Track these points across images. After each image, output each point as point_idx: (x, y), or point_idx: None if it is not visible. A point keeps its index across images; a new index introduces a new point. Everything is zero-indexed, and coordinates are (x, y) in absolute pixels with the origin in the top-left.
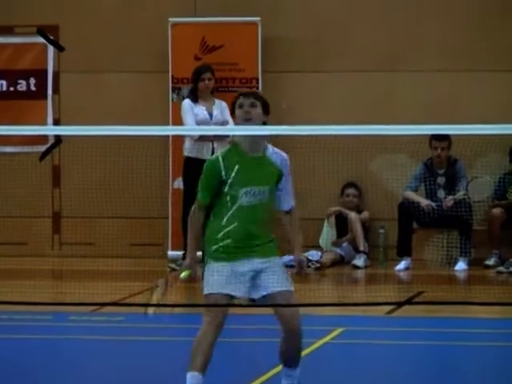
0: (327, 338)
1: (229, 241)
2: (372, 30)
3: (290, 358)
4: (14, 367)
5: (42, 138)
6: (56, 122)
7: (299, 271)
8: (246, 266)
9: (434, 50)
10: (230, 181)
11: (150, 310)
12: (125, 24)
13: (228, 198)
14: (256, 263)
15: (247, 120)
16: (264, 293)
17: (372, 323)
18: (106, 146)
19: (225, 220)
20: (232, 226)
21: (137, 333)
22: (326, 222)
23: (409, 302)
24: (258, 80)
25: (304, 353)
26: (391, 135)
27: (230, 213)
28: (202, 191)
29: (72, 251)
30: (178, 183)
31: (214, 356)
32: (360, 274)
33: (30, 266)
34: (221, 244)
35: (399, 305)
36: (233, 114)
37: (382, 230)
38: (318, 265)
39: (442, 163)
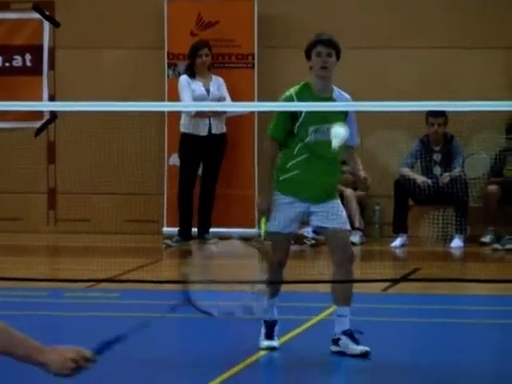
0: (323, 315)
1: (296, 172)
2: (368, 6)
3: (342, 292)
4: None
5: (38, 114)
6: (51, 98)
7: (364, 187)
8: (304, 206)
9: (430, 26)
10: (301, 119)
11: None
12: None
13: (299, 135)
14: (315, 206)
15: (323, 68)
16: (320, 224)
17: (368, 300)
18: (101, 122)
19: (296, 151)
20: (301, 158)
21: (132, 309)
22: None
23: (404, 278)
24: (254, 56)
25: (300, 329)
26: (387, 111)
27: (299, 146)
28: (275, 128)
29: (67, 227)
30: (174, 160)
31: (208, 333)
32: (355, 250)
33: (26, 242)
34: (289, 174)
35: (395, 282)
36: (308, 57)
37: (377, 207)
38: (313, 241)
39: (438, 140)
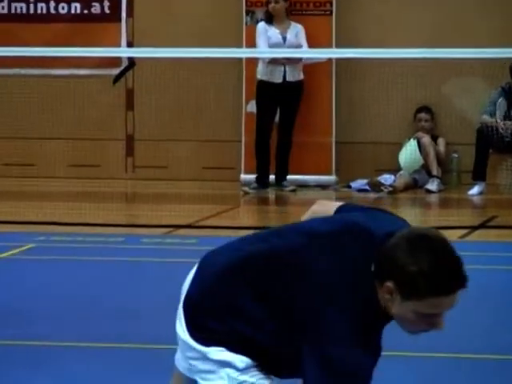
0: None
1: None
2: None
3: None
4: (87, 288)
5: (116, 61)
6: (130, 45)
7: None
8: None
9: None
10: None
11: None
12: None
13: None
14: None
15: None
16: None
17: None
18: (179, 68)
19: None
20: None
21: None
22: (413, 141)
23: (482, 226)
24: (331, 3)
25: None
26: (465, 59)
27: None
28: None
29: (145, 174)
30: (251, 107)
31: None
32: (433, 198)
33: (103, 189)
34: None
35: (473, 229)
36: None
37: (455, 155)
38: (390, 189)
39: None
